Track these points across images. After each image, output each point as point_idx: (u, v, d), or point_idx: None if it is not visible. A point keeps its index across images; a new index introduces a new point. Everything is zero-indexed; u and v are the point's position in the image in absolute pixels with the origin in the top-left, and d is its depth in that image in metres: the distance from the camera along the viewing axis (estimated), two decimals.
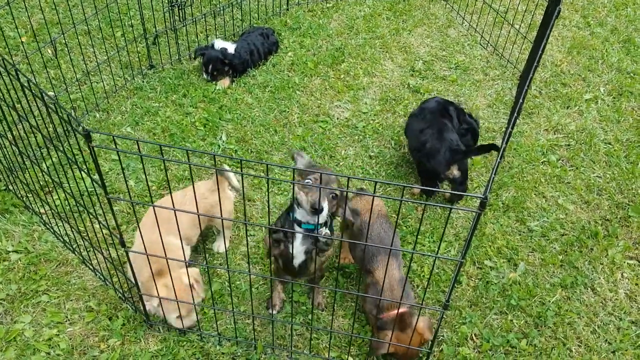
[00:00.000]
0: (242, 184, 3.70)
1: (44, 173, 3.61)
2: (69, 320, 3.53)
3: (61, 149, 2.85)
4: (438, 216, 4.26)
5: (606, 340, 3.63)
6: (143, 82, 5.15)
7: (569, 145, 4.86)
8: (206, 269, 3.55)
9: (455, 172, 4.22)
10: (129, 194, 2.72)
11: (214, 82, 5.19)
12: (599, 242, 4.14)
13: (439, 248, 2.94)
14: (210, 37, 5.61)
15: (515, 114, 2.79)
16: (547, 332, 3.65)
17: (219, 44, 5.18)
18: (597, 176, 4.62)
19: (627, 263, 4.04)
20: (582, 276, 3.93)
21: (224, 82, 5.19)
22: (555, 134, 4.96)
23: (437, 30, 5.99)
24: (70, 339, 3.44)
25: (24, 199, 4.06)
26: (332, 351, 3.46)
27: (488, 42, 5.83)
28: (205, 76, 5.21)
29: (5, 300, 3.58)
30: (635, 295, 3.86)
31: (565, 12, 6.37)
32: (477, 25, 5.98)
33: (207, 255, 3.93)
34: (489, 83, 5.43)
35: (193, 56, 5.33)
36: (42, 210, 4.01)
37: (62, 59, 5.23)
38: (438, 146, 4.18)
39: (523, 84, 4.12)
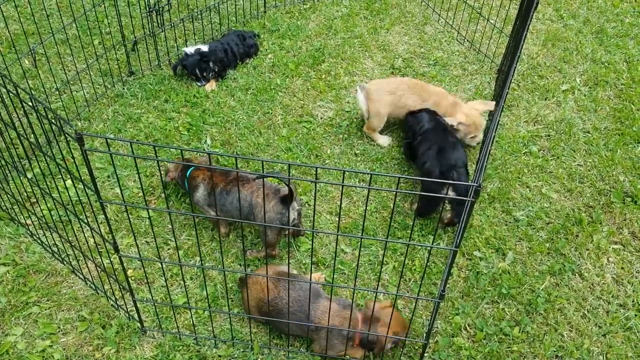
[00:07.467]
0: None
1: (30, 182, 3.57)
2: (61, 330, 3.50)
3: (50, 154, 2.82)
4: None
5: (596, 324, 3.70)
6: (124, 89, 5.11)
7: (549, 135, 4.94)
8: (201, 270, 3.55)
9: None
10: (122, 196, 2.70)
11: (203, 85, 5.18)
12: (584, 229, 4.22)
13: (433, 239, 2.98)
14: (189, 41, 5.59)
15: (502, 103, 2.84)
16: (538, 319, 3.70)
17: (191, 49, 5.16)
18: (578, 164, 4.71)
19: (612, 248, 4.12)
20: (570, 262, 4.00)
21: (211, 84, 5.18)
22: (535, 125, 5.04)
23: (414, 27, 6.05)
24: (64, 349, 3.41)
25: (9, 210, 4.00)
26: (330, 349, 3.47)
27: (465, 38, 5.90)
28: (197, 83, 5.20)
29: None
30: (622, 279, 3.94)
31: (538, 5, 6.47)
32: (453, 22, 6.05)
33: (201, 256, 3.91)
34: (467, 78, 5.50)
35: (174, 72, 5.27)
36: (28, 222, 3.96)
37: (41, 68, 5.17)
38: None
39: (502, 78, 4.19)
